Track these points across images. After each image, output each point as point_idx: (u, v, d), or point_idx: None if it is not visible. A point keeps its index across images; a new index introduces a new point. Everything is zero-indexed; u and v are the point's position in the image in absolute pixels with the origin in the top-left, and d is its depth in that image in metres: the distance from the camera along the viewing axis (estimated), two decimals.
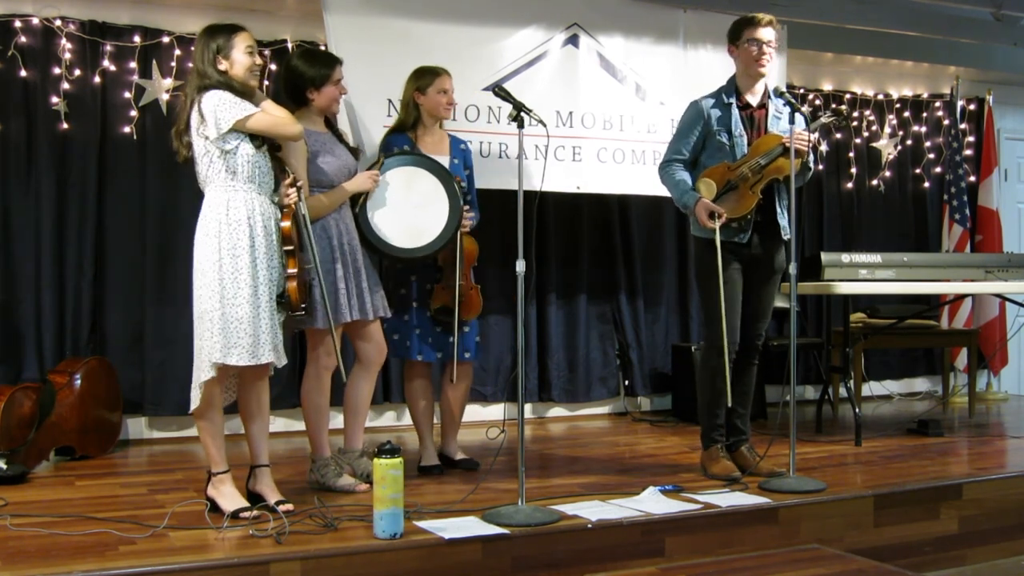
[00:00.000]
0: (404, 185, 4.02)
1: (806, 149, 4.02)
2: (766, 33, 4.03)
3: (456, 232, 4.04)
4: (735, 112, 4.09)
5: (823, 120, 4.15)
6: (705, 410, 4.25)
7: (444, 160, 4.21)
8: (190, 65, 4.99)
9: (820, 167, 6.69)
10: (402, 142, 4.18)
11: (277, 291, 3.40)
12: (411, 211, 4.00)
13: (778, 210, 4.11)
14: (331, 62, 3.92)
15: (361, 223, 3.93)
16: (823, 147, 6.70)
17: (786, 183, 4.05)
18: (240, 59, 3.40)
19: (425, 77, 4.21)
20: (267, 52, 5.10)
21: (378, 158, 4.05)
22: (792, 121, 3.93)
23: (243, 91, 3.37)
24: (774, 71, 4.17)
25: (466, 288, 4.13)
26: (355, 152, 4.06)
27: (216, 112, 3.29)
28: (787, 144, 3.94)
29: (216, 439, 3.39)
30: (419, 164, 4.06)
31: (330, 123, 4.00)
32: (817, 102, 6.67)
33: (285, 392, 5.04)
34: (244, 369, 3.40)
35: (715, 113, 4.10)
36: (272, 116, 3.39)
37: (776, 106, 4.14)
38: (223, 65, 3.38)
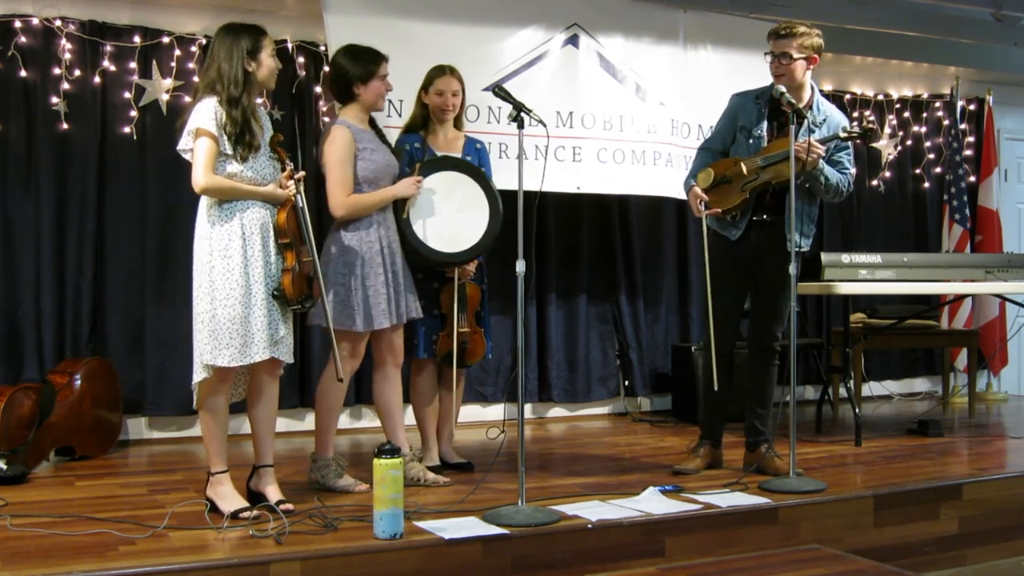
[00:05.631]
0: (446, 190, 4.03)
1: (811, 158, 3.93)
2: (780, 45, 4.03)
3: (497, 236, 4.08)
4: (761, 112, 4.10)
5: (840, 135, 4.05)
6: (702, 404, 4.38)
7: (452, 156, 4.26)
8: (197, 64, 5.07)
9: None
10: (413, 141, 4.19)
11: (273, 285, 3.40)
12: (453, 216, 4.02)
13: (786, 220, 4.00)
14: (377, 58, 3.92)
15: (405, 230, 3.95)
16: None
17: (797, 188, 3.97)
18: (267, 62, 3.44)
19: (429, 76, 4.22)
20: None
21: (415, 164, 4.06)
22: (794, 122, 3.91)
23: (243, 101, 3.36)
24: (804, 80, 4.11)
25: (469, 335, 4.18)
26: (396, 153, 4.07)
27: (188, 126, 3.34)
28: (796, 152, 3.90)
29: (215, 438, 3.39)
30: (460, 169, 4.08)
31: (373, 122, 4.01)
32: None
33: (285, 392, 5.03)
34: (254, 366, 3.41)
35: (744, 110, 4.13)
36: (198, 157, 3.33)
37: (815, 118, 4.08)
38: (251, 67, 3.39)
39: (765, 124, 4.10)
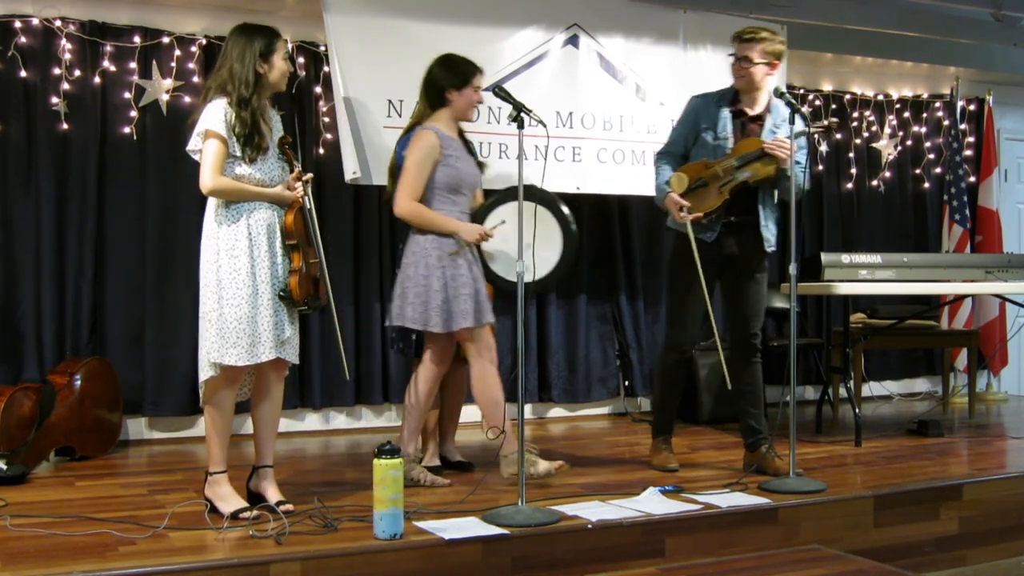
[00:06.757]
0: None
1: (783, 155, 3.99)
2: (742, 48, 4.11)
3: (567, 271, 4.09)
4: (724, 114, 4.15)
5: (810, 129, 4.13)
6: (655, 405, 4.45)
7: None
8: (197, 64, 5.07)
9: (820, 167, 6.68)
10: None
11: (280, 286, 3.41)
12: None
13: (761, 220, 4.14)
14: (473, 68, 3.97)
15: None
16: (823, 147, 6.70)
17: (760, 187, 4.09)
18: (279, 65, 3.45)
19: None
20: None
21: (489, 204, 4.04)
22: (792, 122, 3.94)
23: (252, 102, 3.36)
24: (769, 81, 4.19)
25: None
26: (481, 166, 4.07)
27: (197, 127, 3.34)
28: (766, 150, 3.99)
29: (219, 436, 3.39)
30: (543, 201, 4.04)
31: (462, 132, 4.03)
32: (817, 103, 6.67)
33: (286, 392, 4.99)
34: (260, 366, 3.42)
35: (706, 112, 4.18)
36: (206, 158, 3.33)
37: (775, 120, 4.15)
38: (262, 69, 3.40)
39: (730, 125, 4.16)
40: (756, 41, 4.08)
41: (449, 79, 3.91)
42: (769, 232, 4.17)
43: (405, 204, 3.84)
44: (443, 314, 3.78)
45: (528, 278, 3.99)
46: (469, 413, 5.23)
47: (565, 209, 4.07)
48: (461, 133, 4.03)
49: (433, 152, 3.83)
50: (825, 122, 4.20)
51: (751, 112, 4.17)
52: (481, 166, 4.08)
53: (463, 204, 3.95)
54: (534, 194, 4.04)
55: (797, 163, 4.11)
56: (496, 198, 4.02)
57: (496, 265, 4.02)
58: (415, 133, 3.95)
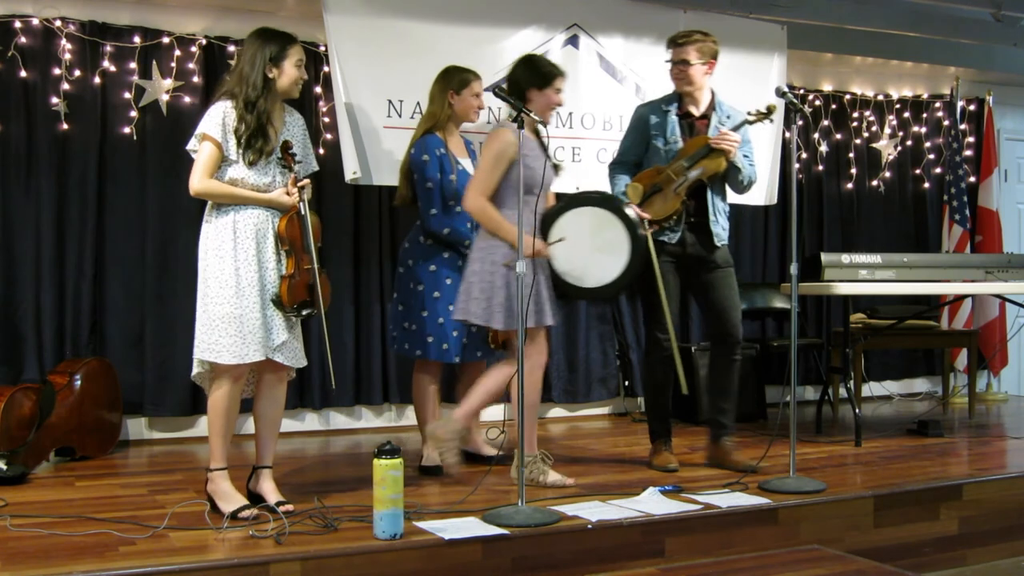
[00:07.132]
0: (594, 228, 3.94)
1: (729, 148, 4.06)
2: (678, 52, 4.20)
3: (634, 278, 4.05)
4: (672, 119, 4.21)
5: (747, 118, 4.19)
6: (648, 408, 4.46)
7: (466, 161, 4.31)
8: (197, 64, 5.08)
9: (819, 167, 6.69)
10: (438, 146, 4.18)
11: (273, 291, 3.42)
12: (590, 253, 3.92)
13: (711, 216, 4.20)
14: (557, 70, 3.95)
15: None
16: (822, 147, 6.70)
17: (711, 184, 4.16)
18: (289, 71, 3.46)
19: (464, 78, 4.27)
20: None
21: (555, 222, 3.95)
22: (794, 122, 3.97)
23: (259, 105, 3.37)
24: (708, 82, 4.26)
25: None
26: (556, 168, 4.06)
27: (197, 129, 3.37)
28: (712, 145, 4.05)
29: (220, 432, 3.40)
30: (610, 209, 3.98)
31: (538, 133, 4.00)
32: (817, 103, 6.67)
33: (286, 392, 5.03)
34: (260, 368, 3.43)
35: (652, 119, 4.24)
36: (198, 161, 3.37)
37: (720, 118, 4.22)
38: (272, 73, 3.41)
39: (678, 129, 4.21)
40: (691, 43, 4.17)
41: (531, 79, 3.88)
42: (719, 227, 4.22)
43: (474, 201, 3.83)
44: (505, 312, 3.77)
45: (592, 284, 3.99)
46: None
47: (631, 212, 4.01)
48: (537, 134, 4.00)
49: (509, 150, 3.80)
50: (764, 109, 4.22)
51: (697, 112, 4.24)
52: (556, 168, 4.06)
53: (535, 205, 3.93)
54: (598, 199, 4.03)
55: (745, 157, 4.17)
56: (564, 204, 3.96)
57: (558, 264, 3.96)
58: (493, 130, 3.95)
